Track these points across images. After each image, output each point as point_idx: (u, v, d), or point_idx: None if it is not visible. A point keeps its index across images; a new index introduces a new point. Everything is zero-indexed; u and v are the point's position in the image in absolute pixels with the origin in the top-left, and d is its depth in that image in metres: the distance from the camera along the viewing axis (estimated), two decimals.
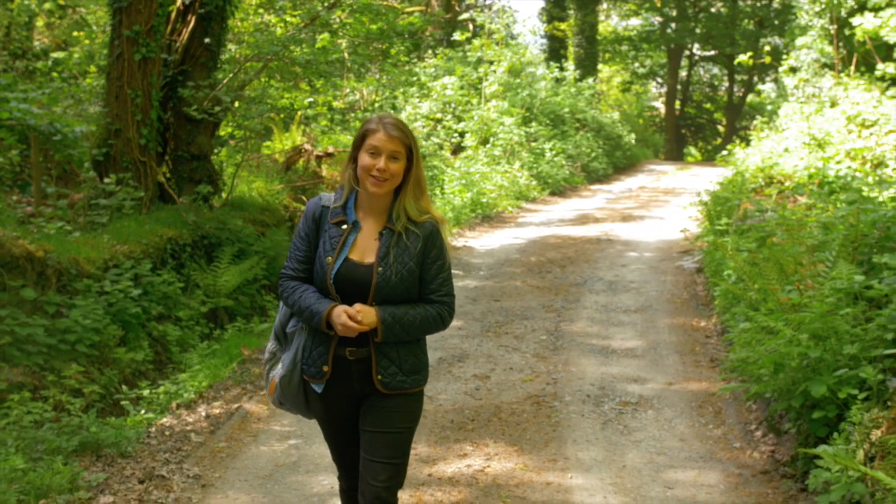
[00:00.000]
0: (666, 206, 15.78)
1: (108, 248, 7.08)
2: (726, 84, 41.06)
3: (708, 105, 43.70)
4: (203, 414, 5.53)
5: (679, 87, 40.40)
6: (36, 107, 9.42)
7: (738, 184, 11.54)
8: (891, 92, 15.58)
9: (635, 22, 40.42)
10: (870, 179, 10.16)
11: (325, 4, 9.99)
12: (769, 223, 7.72)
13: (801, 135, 13.94)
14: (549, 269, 10.06)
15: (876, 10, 15.99)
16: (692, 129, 42.82)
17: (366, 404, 3.07)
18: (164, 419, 5.42)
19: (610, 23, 41.91)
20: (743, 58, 18.58)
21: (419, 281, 3.03)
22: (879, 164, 14.11)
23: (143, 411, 5.49)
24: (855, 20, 15.76)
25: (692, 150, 42.30)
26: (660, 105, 42.70)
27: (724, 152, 16.32)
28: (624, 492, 4.50)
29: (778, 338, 4.51)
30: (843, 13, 17.71)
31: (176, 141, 9.38)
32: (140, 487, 4.40)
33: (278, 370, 3.15)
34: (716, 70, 42.43)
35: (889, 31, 15.00)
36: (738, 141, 17.40)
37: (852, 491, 3.79)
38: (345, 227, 3.03)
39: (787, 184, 11.19)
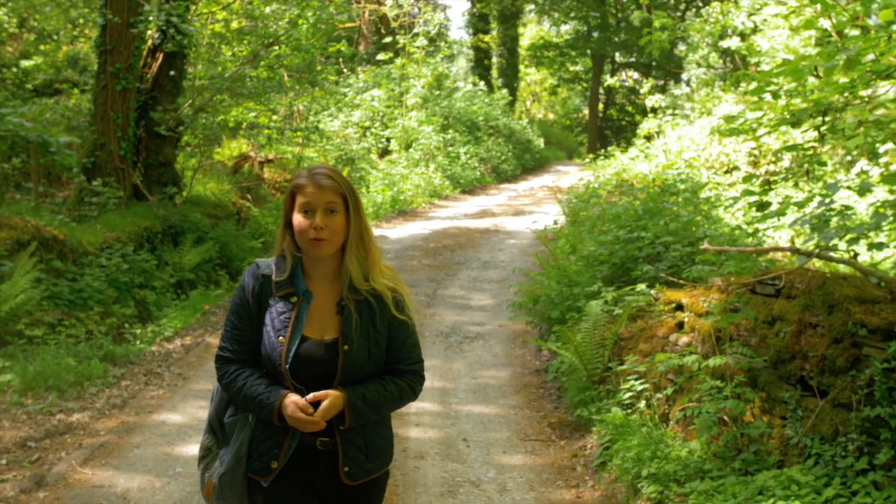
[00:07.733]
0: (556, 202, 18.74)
1: (102, 235, 9.71)
2: (645, 89, 44.35)
3: (629, 108, 47.23)
4: (179, 344, 8.21)
5: (602, 91, 43.64)
6: (26, 120, 11.88)
7: (598, 185, 14.53)
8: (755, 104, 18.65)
9: (567, 27, 43.31)
10: (665, 179, 12.99)
11: (265, 43, 12.65)
12: (591, 215, 10.63)
13: (662, 144, 17.01)
14: (441, 252, 12.90)
15: (742, 35, 19.11)
16: (614, 131, 46.17)
17: (326, 499, 2.70)
18: (153, 347, 8.08)
19: (543, 28, 45.11)
20: (610, 80, 21.56)
21: (386, 351, 2.69)
22: (733, 168, 17.25)
23: (138, 343, 8.14)
24: (724, 42, 18.78)
25: (616, 151, 45.75)
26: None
27: (587, 160, 19.35)
28: (445, 380, 7.32)
29: (536, 284, 7.40)
30: (730, 32, 20.74)
31: (147, 152, 11.99)
32: (144, 378, 7.09)
33: (216, 468, 2.75)
34: (636, 75, 45.84)
35: (763, 54, 18.01)
36: (603, 150, 20.57)
37: (557, 369, 6.71)
38: (294, 299, 2.64)
39: (634, 185, 14.15)
